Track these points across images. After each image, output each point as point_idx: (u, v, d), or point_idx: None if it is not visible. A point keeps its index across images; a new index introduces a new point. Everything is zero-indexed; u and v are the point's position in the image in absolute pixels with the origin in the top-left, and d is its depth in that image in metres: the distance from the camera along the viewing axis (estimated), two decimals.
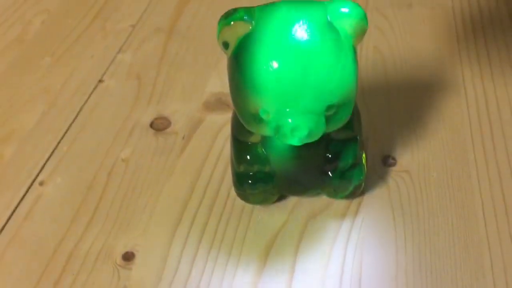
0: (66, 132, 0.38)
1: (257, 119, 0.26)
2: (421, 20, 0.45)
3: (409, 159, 0.34)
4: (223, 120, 0.38)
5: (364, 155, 0.30)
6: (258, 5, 0.26)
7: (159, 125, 0.38)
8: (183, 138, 0.37)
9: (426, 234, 0.29)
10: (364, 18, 0.25)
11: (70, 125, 0.38)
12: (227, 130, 0.37)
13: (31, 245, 0.30)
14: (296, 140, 0.25)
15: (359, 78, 0.26)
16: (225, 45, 0.26)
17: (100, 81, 0.42)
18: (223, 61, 0.44)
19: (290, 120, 0.25)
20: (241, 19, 0.25)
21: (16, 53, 0.45)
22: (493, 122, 0.35)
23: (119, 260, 0.29)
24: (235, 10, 0.25)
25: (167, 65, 0.43)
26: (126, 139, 0.37)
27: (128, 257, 0.29)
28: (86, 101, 0.40)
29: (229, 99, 0.39)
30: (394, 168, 0.33)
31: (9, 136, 0.38)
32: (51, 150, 0.36)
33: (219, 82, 0.41)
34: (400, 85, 0.39)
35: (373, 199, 0.31)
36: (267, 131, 0.26)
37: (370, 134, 0.35)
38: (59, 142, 0.37)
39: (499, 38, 0.43)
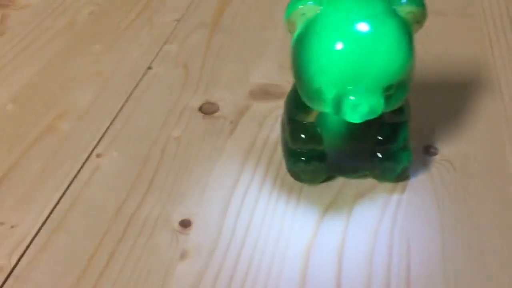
0: (119, 112, 0.39)
1: (320, 96, 0.27)
2: (454, 27, 0.48)
3: (450, 149, 0.35)
4: (269, 108, 0.40)
5: None
6: None
7: (207, 109, 0.40)
8: (231, 122, 0.38)
9: (472, 216, 0.31)
10: (424, 6, 0.27)
11: (123, 106, 0.40)
12: (273, 117, 0.39)
13: (92, 209, 0.32)
14: (357, 117, 0.27)
15: None
16: (292, 26, 0.28)
17: (149, 68, 0.44)
18: (266, 54, 0.46)
19: (352, 98, 0.27)
20: (309, 3, 0.27)
21: (66, 40, 0.47)
22: None
23: (176, 226, 0.31)
24: None
25: (212, 56, 0.45)
26: (177, 120, 0.39)
27: (185, 224, 0.31)
28: (137, 85, 0.42)
29: (273, 90, 0.42)
30: (436, 158, 0.35)
31: (64, 114, 0.39)
32: (105, 127, 0.38)
33: (263, 74, 0.43)
34: (437, 84, 0.41)
35: (417, 184, 0.33)
36: (328, 108, 0.28)
37: (411, 126, 0.37)
38: (113, 121, 0.39)
39: None
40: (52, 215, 0.32)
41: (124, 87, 0.42)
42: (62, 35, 0.48)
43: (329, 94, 0.27)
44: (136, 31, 0.48)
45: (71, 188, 0.33)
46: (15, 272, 0.29)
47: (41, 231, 0.31)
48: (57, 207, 0.32)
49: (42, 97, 0.41)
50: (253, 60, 0.45)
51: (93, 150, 0.36)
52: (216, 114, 0.39)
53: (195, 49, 0.46)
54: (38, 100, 0.41)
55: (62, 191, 0.33)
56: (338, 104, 0.27)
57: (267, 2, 0.51)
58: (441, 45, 0.45)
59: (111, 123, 0.38)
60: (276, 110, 0.39)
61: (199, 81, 0.43)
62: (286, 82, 0.41)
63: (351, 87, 0.27)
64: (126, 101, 0.40)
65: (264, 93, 0.41)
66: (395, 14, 0.27)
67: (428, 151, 0.35)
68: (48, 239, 0.30)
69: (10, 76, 0.43)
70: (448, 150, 0.35)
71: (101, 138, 0.37)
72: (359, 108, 0.26)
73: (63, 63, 0.45)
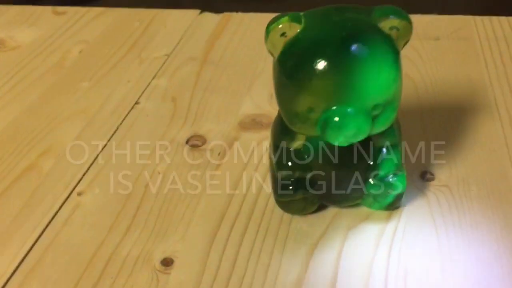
0: (103, 148, 0.38)
1: (304, 119, 0.26)
2: (448, 51, 0.47)
3: (447, 174, 0.33)
4: (258, 138, 0.38)
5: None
6: (306, 11, 0.27)
7: (195, 142, 0.38)
8: (219, 154, 0.37)
9: (471, 244, 0.29)
10: (409, 21, 0.26)
11: (108, 141, 0.39)
12: (263, 147, 0.37)
13: (70, 249, 0.30)
14: (342, 138, 0.25)
15: None
16: (273, 47, 0.27)
17: (137, 103, 0.43)
18: (256, 86, 0.45)
19: (336, 119, 0.25)
20: (288, 21, 0.26)
21: (54, 79, 0.47)
22: None
23: (158, 265, 0.29)
24: (282, 15, 0.26)
25: (202, 90, 0.44)
26: (163, 153, 0.37)
27: (167, 262, 0.29)
28: (123, 120, 0.41)
29: (263, 120, 0.40)
30: (432, 183, 0.33)
31: (47, 151, 0.38)
32: (89, 164, 0.37)
33: (252, 105, 0.42)
34: (433, 108, 0.40)
35: (413, 210, 0.31)
36: (313, 130, 0.26)
37: (407, 151, 0.35)
38: (96, 157, 0.37)
39: None
40: (27, 257, 0.30)
41: (109, 123, 0.41)
42: (50, 74, 0.47)
43: (313, 116, 0.26)
44: (125, 67, 0.48)
45: (49, 228, 0.32)
46: None
47: (16, 273, 0.29)
48: (34, 248, 0.31)
49: (26, 135, 0.40)
50: (242, 92, 0.44)
51: (74, 187, 0.35)
52: (204, 146, 0.38)
53: (184, 83, 0.45)
54: (22, 139, 0.40)
55: (40, 231, 0.32)
56: (323, 126, 0.25)
57: (257, 35, 0.51)
58: (435, 69, 0.44)
59: (94, 159, 0.37)
60: (266, 140, 0.38)
61: (187, 114, 0.41)
62: (276, 111, 0.40)
63: (336, 108, 0.25)
64: (111, 136, 0.39)
65: (253, 123, 0.40)
66: (378, 30, 0.26)
67: (425, 176, 0.33)
68: (22, 283, 0.29)
69: None
70: (445, 175, 0.33)
71: (83, 175, 0.36)
72: (344, 129, 0.25)
73: (49, 101, 0.44)
